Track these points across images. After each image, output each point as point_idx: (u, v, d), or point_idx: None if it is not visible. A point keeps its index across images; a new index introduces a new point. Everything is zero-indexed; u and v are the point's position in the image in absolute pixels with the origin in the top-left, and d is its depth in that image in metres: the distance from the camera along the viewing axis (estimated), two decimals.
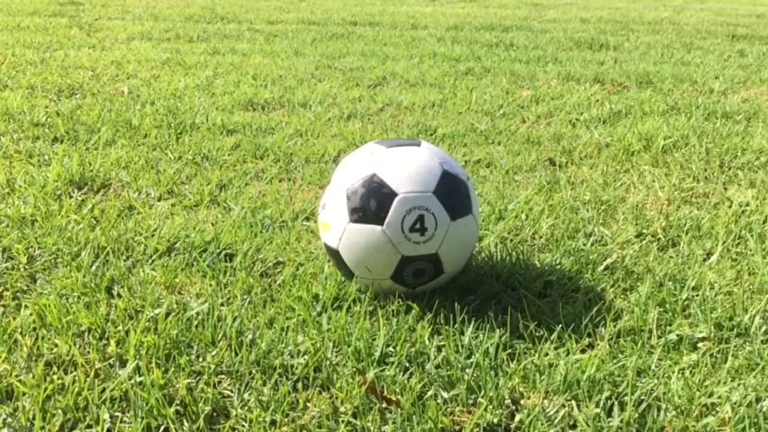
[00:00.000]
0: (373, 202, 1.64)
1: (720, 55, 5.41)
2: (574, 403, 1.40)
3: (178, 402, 1.38)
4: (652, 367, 1.51)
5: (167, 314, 1.62)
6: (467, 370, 1.47)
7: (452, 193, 1.68)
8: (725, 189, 2.56)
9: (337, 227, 1.69)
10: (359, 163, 1.72)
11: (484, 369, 1.46)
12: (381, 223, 1.63)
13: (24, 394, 1.38)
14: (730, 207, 2.33)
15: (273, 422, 1.34)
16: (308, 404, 1.39)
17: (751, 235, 2.13)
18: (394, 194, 1.63)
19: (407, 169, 1.68)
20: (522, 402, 1.41)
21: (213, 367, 1.47)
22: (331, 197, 1.72)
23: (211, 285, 1.78)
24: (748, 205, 2.37)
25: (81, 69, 4.33)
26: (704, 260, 2.00)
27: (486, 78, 4.36)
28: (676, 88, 4.19)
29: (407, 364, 1.50)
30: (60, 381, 1.41)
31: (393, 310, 1.67)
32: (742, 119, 3.49)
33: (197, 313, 1.63)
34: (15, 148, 2.81)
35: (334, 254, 1.73)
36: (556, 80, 4.34)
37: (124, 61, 4.58)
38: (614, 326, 1.63)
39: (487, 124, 3.32)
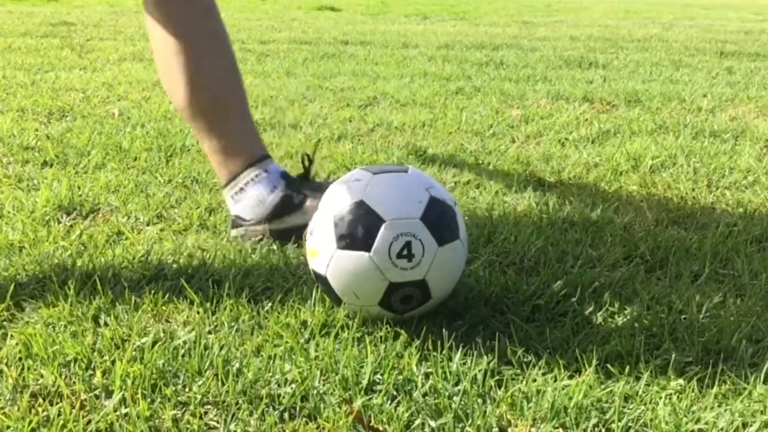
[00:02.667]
0: (360, 228, 1.65)
1: (708, 72, 5.46)
2: (561, 431, 1.40)
3: None
4: (640, 392, 1.51)
5: (154, 343, 1.61)
6: (455, 398, 1.46)
7: (439, 218, 1.69)
8: (713, 209, 2.57)
9: (324, 254, 1.69)
10: (346, 190, 1.73)
11: (472, 396, 1.46)
12: (368, 249, 1.63)
13: (8, 427, 1.37)
14: (717, 228, 2.34)
15: None
16: None
17: (738, 257, 2.14)
18: (381, 220, 1.64)
19: (394, 195, 1.69)
20: (509, 430, 1.41)
21: (199, 397, 1.46)
22: (319, 224, 1.73)
23: (198, 312, 1.78)
24: (735, 225, 2.38)
25: (72, 91, 4.33)
26: (692, 282, 2.01)
27: (476, 97, 4.39)
28: (665, 106, 4.22)
29: (395, 393, 1.49)
30: (45, 413, 1.40)
31: (381, 337, 1.67)
32: (730, 138, 3.52)
33: (184, 342, 1.63)
34: (4, 173, 2.80)
35: (322, 281, 1.73)
36: (545, 99, 4.36)
37: (115, 83, 4.59)
38: (602, 351, 1.63)
39: (477, 145, 3.34)
